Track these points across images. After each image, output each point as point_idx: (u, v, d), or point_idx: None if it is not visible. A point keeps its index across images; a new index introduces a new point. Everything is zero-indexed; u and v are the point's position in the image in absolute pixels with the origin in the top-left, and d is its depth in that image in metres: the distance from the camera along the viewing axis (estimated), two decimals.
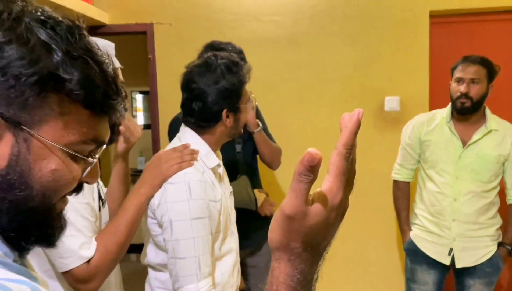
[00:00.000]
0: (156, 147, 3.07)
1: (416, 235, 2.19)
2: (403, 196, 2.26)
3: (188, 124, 1.34)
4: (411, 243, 2.19)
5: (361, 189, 3.08)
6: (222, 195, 1.32)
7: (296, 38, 2.93)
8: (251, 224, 1.99)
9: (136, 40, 3.84)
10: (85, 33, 0.55)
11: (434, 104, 2.96)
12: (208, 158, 1.33)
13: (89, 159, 0.59)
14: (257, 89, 2.03)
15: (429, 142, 2.12)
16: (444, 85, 2.96)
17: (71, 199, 0.65)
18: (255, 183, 2.11)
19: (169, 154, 1.26)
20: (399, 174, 2.27)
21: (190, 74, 1.30)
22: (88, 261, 1.06)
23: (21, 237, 0.54)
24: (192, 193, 1.20)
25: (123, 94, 0.60)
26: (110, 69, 0.58)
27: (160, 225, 1.23)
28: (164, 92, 3.02)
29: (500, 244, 2.10)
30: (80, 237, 1.06)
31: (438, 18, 2.90)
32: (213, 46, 1.96)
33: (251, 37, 2.45)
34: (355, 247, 3.01)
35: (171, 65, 3.00)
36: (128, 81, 4.96)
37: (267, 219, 2.05)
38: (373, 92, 2.93)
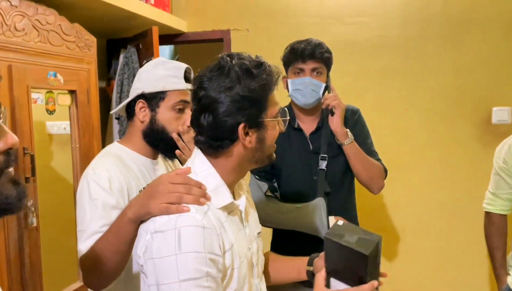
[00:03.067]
0: None
1: None
2: (497, 232, 1.82)
3: (198, 144, 1.04)
4: (510, 289, 1.76)
5: (460, 214, 2.67)
6: (237, 242, 1.01)
7: (384, 41, 2.62)
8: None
9: (213, 48, 3.78)
10: None
11: None
12: (217, 194, 1.00)
13: None
14: (340, 97, 1.77)
15: None
16: None
17: (94, 195, 1.15)
18: (344, 206, 1.81)
19: (170, 181, 0.98)
20: (492, 205, 1.83)
21: (198, 79, 1.00)
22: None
23: None
24: (182, 245, 0.88)
25: None
26: None
27: (148, 285, 0.95)
28: None
29: None
30: (83, 233, 1.15)
31: None
32: (292, 46, 1.74)
33: (334, 41, 2.20)
34: (439, 282, 2.61)
35: None
36: None
37: None
38: (477, 102, 2.52)
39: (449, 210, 2.59)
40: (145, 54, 2.59)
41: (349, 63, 2.61)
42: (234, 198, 1.07)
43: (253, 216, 1.17)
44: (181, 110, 1.32)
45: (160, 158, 1.42)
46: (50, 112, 1.94)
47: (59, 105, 1.99)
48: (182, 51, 4.78)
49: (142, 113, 1.32)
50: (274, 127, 1.03)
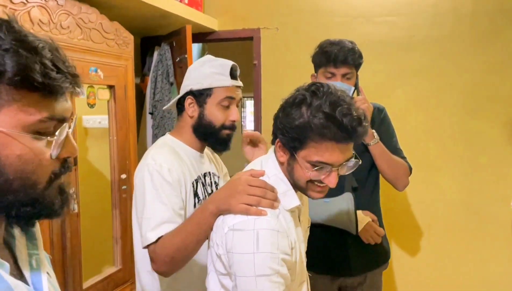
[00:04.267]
0: None
1: None
2: None
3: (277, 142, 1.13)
4: None
5: (486, 215, 2.66)
6: (297, 239, 1.13)
7: (413, 40, 2.63)
8: (350, 249, 1.78)
9: (241, 46, 3.85)
10: (16, 26, 0.60)
11: None
12: (285, 197, 1.12)
13: (49, 137, 0.62)
14: (369, 97, 1.81)
15: None
16: None
17: (158, 185, 1.24)
18: (369, 202, 1.84)
19: (249, 182, 1.08)
20: None
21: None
22: (154, 244, 1.19)
23: (18, 215, 0.62)
24: (260, 245, 1.01)
25: (68, 71, 0.62)
26: (46, 51, 0.60)
27: (229, 273, 1.07)
28: (268, 98, 2.94)
29: None
30: (150, 221, 1.21)
31: None
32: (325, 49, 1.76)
33: (362, 40, 2.23)
34: (466, 285, 2.61)
35: (275, 71, 2.92)
36: None
37: (370, 247, 1.79)
38: (508, 102, 2.50)
39: (475, 210, 2.58)
40: (179, 52, 2.68)
41: (377, 63, 2.63)
42: None
43: (305, 213, 1.27)
44: (227, 106, 1.38)
45: (205, 151, 1.48)
46: (91, 106, 2.05)
47: (99, 100, 2.10)
48: (211, 50, 4.88)
49: (191, 109, 1.38)
50: (303, 169, 1.06)
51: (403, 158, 1.84)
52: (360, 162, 1.12)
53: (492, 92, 2.52)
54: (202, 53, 7.21)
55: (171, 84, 2.75)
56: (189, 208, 1.34)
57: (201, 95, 1.37)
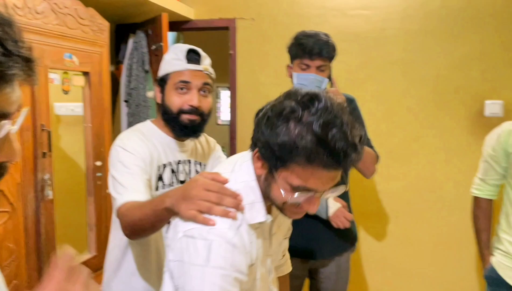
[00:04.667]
0: (233, 145, 3.03)
1: (499, 262, 1.86)
2: (483, 215, 1.94)
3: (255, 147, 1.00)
4: (493, 271, 1.86)
5: (451, 201, 2.80)
6: (262, 254, 1.02)
7: (385, 34, 2.71)
8: (320, 233, 1.86)
9: (217, 36, 3.86)
10: None
11: None
12: (252, 208, 0.97)
13: None
14: (341, 88, 1.87)
15: None
16: None
17: (122, 158, 1.28)
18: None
19: (205, 186, 0.95)
20: (480, 190, 1.95)
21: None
22: (120, 207, 1.22)
23: None
24: (211, 259, 0.88)
25: (20, 53, 0.51)
26: None
27: (176, 286, 0.96)
28: (243, 88, 2.97)
29: None
30: (119, 188, 1.25)
31: None
32: (301, 41, 1.82)
33: (336, 32, 2.29)
34: (427, 264, 2.76)
35: (251, 62, 2.95)
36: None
37: (339, 231, 1.87)
38: (471, 95, 2.62)
39: (440, 197, 2.71)
40: (154, 40, 2.68)
41: (350, 55, 2.70)
42: (270, 209, 1.04)
43: (285, 223, 1.16)
44: (184, 91, 1.36)
45: (189, 141, 1.46)
46: (66, 92, 2.04)
47: (74, 86, 2.09)
48: (187, 39, 4.86)
49: (158, 96, 1.42)
50: (281, 190, 0.92)
51: (371, 147, 1.92)
52: (347, 189, 1.05)
53: (457, 85, 2.64)
54: (177, 42, 7.13)
55: (146, 72, 2.75)
56: (152, 189, 1.36)
57: (162, 82, 1.39)
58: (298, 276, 1.90)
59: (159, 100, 1.41)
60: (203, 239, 0.90)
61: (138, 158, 1.30)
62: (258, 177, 0.99)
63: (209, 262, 0.88)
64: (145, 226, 1.17)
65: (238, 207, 0.95)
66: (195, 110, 1.36)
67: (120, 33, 2.98)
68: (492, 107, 2.58)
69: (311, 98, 0.89)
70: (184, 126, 1.37)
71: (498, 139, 1.86)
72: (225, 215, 0.93)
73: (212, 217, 0.93)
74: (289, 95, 0.95)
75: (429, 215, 2.74)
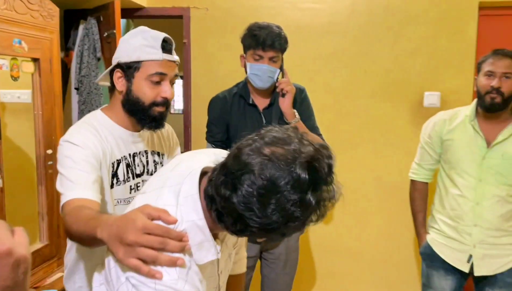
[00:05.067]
0: (187, 134, 3.06)
1: (433, 239, 2.05)
2: (420, 197, 2.13)
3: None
4: (428, 247, 2.06)
5: (392, 186, 3.00)
6: (210, 280, 1.00)
7: (334, 27, 2.84)
8: None
9: (171, 25, 3.84)
10: None
11: None
12: (201, 249, 0.90)
13: None
14: (291, 78, 1.97)
15: (451, 141, 1.97)
16: None
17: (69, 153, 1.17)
18: None
19: (146, 229, 0.83)
20: (417, 174, 2.14)
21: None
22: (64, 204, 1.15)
23: None
24: None
25: None
26: None
27: None
28: (197, 77, 3.00)
29: None
30: (66, 183, 1.17)
31: (488, 10, 2.74)
32: (254, 32, 1.88)
33: (288, 24, 2.38)
34: (371, 245, 2.96)
35: (205, 51, 2.98)
36: None
37: None
38: (412, 86, 2.81)
39: (383, 182, 2.89)
40: (106, 27, 2.64)
41: (300, 46, 2.81)
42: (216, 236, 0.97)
43: (231, 239, 1.08)
44: (157, 82, 1.28)
45: (144, 131, 1.38)
46: (15, 78, 1.99)
47: (23, 72, 2.04)
48: (139, 26, 4.77)
49: (120, 83, 1.29)
50: None
51: (320, 135, 2.04)
52: None
53: (399, 78, 2.81)
54: (127, 29, 6.95)
55: (98, 59, 2.71)
56: (106, 188, 1.28)
57: (129, 69, 1.27)
58: (250, 257, 1.99)
59: (122, 88, 1.30)
60: (152, 289, 0.82)
61: (89, 154, 1.21)
62: (207, 214, 0.90)
63: None
64: (81, 241, 1.07)
65: (184, 250, 0.86)
66: (166, 102, 1.30)
67: (70, 19, 2.91)
68: (431, 98, 2.79)
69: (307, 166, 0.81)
70: (153, 118, 1.31)
71: (433, 128, 2.04)
72: (173, 264, 0.84)
73: (158, 268, 0.83)
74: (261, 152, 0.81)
75: (374, 199, 2.92)
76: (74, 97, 2.80)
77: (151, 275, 0.82)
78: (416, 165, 2.14)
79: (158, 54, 1.26)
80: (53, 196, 2.19)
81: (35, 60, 2.09)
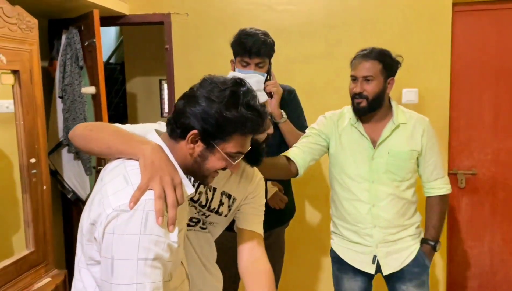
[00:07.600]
0: None
1: (336, 244, 2.05)
2: None
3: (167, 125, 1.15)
4: (334, 252, 2.06)
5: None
6: (183, 219, 1.14)
7: (311, 28, 2.88)
8: None
9: (156, 30, 3.90)
10: None
11: (455, 96, 2.87)
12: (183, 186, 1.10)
13: None
14: (278, 80, 2.03)
15: (340, 147, 1.96)
16: (466, 77, 2.86)
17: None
18: None
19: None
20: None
21: (208, 77, 1.15)
22: None
23: None
24: (148, 227, 0.96)
25: None
26: None
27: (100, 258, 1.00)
28: (180, 82, 3.06)
29: (422, 241, 1.95)
30: None
31: (462, 6, 2.79)
32: (241, 40, 1.96)
33: (266, 27, 2.42)
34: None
35: (187, 56, 3.04)
36: (156, 71, 5.06)
37: (275, 212, 2.09)
38: None
39: None
40: (87, 36, 2.70)
41: (279, 48, 2.83)
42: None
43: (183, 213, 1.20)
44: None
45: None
46: None
47: (3, 84, 2.10)
48: (127, 33, 4.84)
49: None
50: (220, 160, 1.10)
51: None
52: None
53: None
54: (118, 37, 7.02)
55: (81, 68, 2.76)
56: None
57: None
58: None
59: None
60: (140, 210, 0.97)
61: None
62: (189, 156, 1.10)
63: (146, 230, 0.95)
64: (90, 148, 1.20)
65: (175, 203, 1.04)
66: None
67: (54, 29, 2.97)
68: (409, 94, 2.83)
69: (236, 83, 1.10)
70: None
71: (326, 124, 2.06)
72: (160, 214, 1.00)
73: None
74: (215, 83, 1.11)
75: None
76: (59, 105, 2.85)
77: (160, 213, 0.98)
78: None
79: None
80: (38, 203, 2.25)
81: (15, 72, 2.14)
